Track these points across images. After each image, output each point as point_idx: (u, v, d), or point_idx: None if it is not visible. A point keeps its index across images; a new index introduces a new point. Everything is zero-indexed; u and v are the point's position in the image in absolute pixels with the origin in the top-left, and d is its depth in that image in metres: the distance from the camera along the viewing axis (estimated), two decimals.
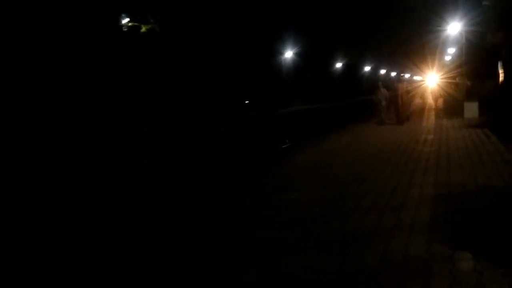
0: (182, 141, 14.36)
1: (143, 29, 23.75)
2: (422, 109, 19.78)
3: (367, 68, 49.18)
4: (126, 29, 22.95)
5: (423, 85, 27.13)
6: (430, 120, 15.67)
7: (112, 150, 12.35)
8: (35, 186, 7.96)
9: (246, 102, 32.64)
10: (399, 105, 15.01)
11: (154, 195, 7.19)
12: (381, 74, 52.39)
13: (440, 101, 21.75)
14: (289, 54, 35.67)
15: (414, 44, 37.28)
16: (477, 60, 21.77)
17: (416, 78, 43.23)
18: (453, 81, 23.92)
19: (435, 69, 29.89)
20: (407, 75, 52.01)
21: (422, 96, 26.10)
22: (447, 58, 36.24)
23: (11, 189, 7.46)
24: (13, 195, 7.17)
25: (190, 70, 23.41)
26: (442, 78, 26.09)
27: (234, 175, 8.28)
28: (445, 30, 25.50)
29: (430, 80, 27.41)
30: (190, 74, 23.33)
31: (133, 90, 17.74)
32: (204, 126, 18.60)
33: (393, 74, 56.06)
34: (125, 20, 22.73)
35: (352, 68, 45.03)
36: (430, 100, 25.35)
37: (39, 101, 13.37)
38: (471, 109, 15.25)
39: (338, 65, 42.96)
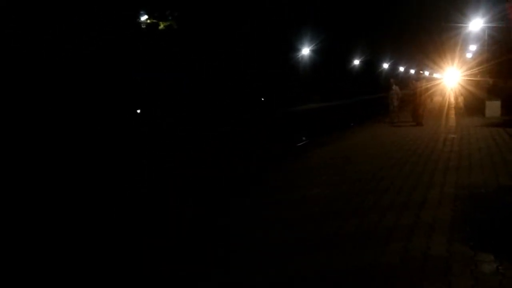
0: (190, 140, 14.39)
1: (161, 26, 23.93)
2: (442, 107, 19.42)
3: (385, 65, 48.56)
4: (144, 26, 23.16)
5: (442, 83, 26.64)
6: (450, 118, 15.37)
7: (112, 150, 12.49)
8: (35, 184, 8.10)
9: (262, 99, 32.63)
10: (416, 105, 13.79)
11: (154, 194, 7.25)
12: (400, 72, 51.63)
13: (461, 99, 21.36)
14: (306, 51, 35.50)
15: (434, 41, 36.67)
16: (500, 58, 21.29)
17: (435, 75, 42.46)
18: (475, 79, 23.45)
19: (455, 66, 29.32)
20: (426, 73, 51.17)
21: (442, 94, 25.67)
22: (468, 55, 35.50)
23: (11, 189, 7.60)
24: (14, 194, 7.31)
25: (206, 69, 23.47)
26: (463, 76, 25.59)
27: (248, 173, 8.32)
28: (466, 26, 24.98)
29: (450, 78, 26.91)
30: (206, 72, 23.40)
31: (134, 90, 17.87)
32: (219, 123, 18.66)
33: (412, 71, 55.21)
34: (144, 17, 22.95)
35: (370, 65, 44.52)
36: (450, 98, 24.91)
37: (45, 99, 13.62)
38: (493, 108, 14.93)
39: (356, 62, 42.54)
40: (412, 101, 14.25)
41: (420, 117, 13.61)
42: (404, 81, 15.96)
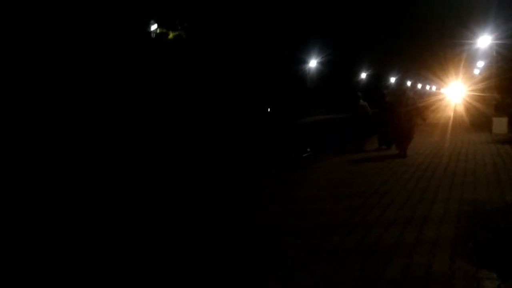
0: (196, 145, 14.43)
1: (171, 35, 24.20)
2: (446, 123, 19.35)
3: (392, 79, 48.58)
4: (154, 36, 23.44)
5: (447, 98, 26.60)
6: (456, 134, 15.30)
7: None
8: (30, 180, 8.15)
9: (268, 109, 32.72)
10: (394, 128, 10.01)
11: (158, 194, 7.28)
12: (407, 86, 51.62)
13: (467, 115, 21.28)
14: (313, 63, 35.62)
15: (441, 57, 36.67)
16: (507, 74, 21.24)
17: (441, 90, 42.45)
18: (481, 94, 23.38)
19: (462, 82, 29.28)
20: (433, 88, 51.11)
21: (446, 110, 25.61)
22: (476, 71, 35.47)
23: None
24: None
25: (213, 77, 23.64)
26: (469, 91, 25.53)
27: (251, 182, 8.31)
28: (474, 43, 25.01)
29: (457, 93, 26.86)
30: (213, 81, 23.56)
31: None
32: (223, 130, 18.71)
33: (419, 86, 55.18)
34: (153, 27, 23.23)
35: (377, 78, 44.56)
36: (455, 113, 24.85)
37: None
38: (500, 125, 14.84)
39: (363, 75, 42.60)
40: (391, 123, 10.25)
41: (400, 145, 10.05)
42: (387, 95, 12.28)
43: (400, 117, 9.86)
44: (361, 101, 11.96)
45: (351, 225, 4.82)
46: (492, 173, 7.53)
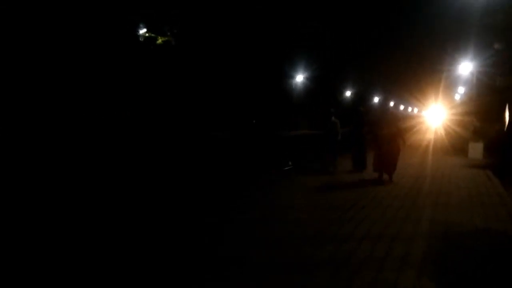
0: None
1: (159, 40, 24.24)
2: (426, 145, 19.80)
3: (376, 99, 49.46)
4: (142, 40, 23.43)
5: (428, 121, 27.29)
6: (435, 156, 15.66)
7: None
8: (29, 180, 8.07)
9: (254, 121, 32.89)
10: (382, 152, 9.24)
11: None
12: (390, 106, 52.61)
13: (447, 138, 21.82)
14: (300, 78, 36.09)
15: (423, 81, 37.62)
16: (486, 101, 21.89)
17: (422, 113, 43.49)
18: (460, 118, 24.03)
19: (443, 106, 30.08)
20: (415, 110, 52.26)
21: (426, 132, 26.21)
22: (457, 96, 36.47)
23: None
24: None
25: (200, 85, 23.69)
26: (449, 116, 26.22)
27: (232, 194, 8.35)
28: (455, 69, 25.79)
29: (438, 116, 27.55)
30: (199, 89, 23.61)
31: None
32: (206, 143, 18.71)
33: (402, 107, 56.30)
34: (142, 31, 23.25)
35: (361, 98, 45.32)
36: (434, 136, 25.43)
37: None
38: (476, 150, 15.25)
39: (348, 93, 43.29)
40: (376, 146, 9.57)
41: (384, 170, 9.30)
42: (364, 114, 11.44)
43: (385, 142, 9.16)
44: (333, 118, 11.17)
45: (325, 237, 4.91)
46: (465, 196, 7.75)
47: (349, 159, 11.21)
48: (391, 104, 54.62)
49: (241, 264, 4.12)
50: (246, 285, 3.65)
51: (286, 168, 13.29)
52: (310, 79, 36.03)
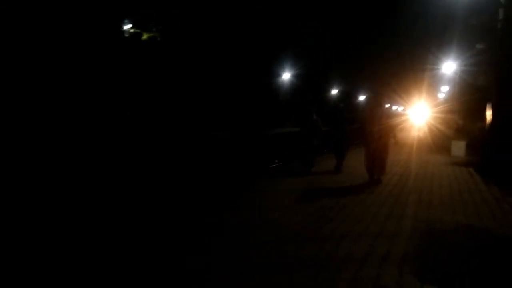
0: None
1: (145, 36, 23.96)
2: (410, 143, 20.00)
3: (361, 98, 49.85)
4: (127, 35, 23.12)
5: (412, 119, 27.58)
6: (418, 154, 15.81)
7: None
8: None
9: (240, 120, 32.76)
10: (373, 150, 8.78)
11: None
12: (381, 103, 53.06)
13: (430, 136, 22.10)
14: (286, 76, 36.12)
15: (408, 79, 38.02)
16: (469, 100, 22.22)
17: (406, 111, 43.94)
18: (444, 116, 24.37)
19: (426, 104, 30.44)
20: (399, 108, 52.82)
21: (410, 130, 26.49)
22: (440, 95, 36.95)
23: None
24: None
25: (185, 82, 23.49)
26: (433, 114, 26.54)
27: (216, 190, 8.30)
28: (439, 68, 26.12)
29: (421, 115, 27.88)
30: (183, 86, 23.41)
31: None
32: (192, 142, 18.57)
33: (387, 106, 56.84)
34: (127, 26, 22.94)
35: (348, 96, 45.61)
36: (418, 134, 25.73)
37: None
38: (459, 148, 15.46)
39: (334, 91, 43.51)
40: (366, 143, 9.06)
41: (375, 169, 8.89)
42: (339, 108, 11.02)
43: (375, 139, 8.67)
44: (314, 115, 10.58)
45: (306, 236, 4.89)
46: (447, 194, 7.82)
47: (333, 159, 10.88)
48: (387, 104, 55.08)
49: (215, 264, 4.08)
50: (221, 285, 3.61)
51: (273, 165, 13.28)
52: (297, 77, 36.09)
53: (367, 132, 8.86)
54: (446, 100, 30.41)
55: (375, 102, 9.58)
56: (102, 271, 3.97)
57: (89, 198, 7.64)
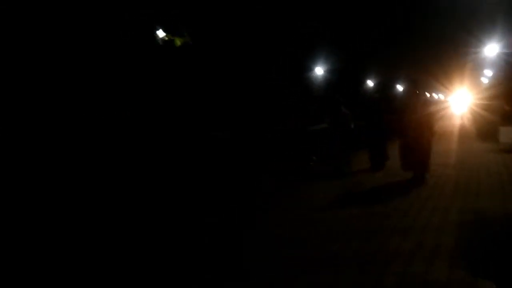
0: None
1: (178, 42, 24.45)
2: (453, 131, 19.29)
3: (399, 87, 48.46)
4: (161, 43, 23.69)
5: (453, 106, 26.50)
6: (462, 143, 15.23)
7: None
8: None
9: (276, 115, 32.80)
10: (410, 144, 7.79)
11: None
12: (419, 90, 51.40)
13: (474, 123, 21.21)
14: (320, 70, 35.73)
15: (446, 65, 36.54)
16: None
17: (447, 98, 42.35)
18: (488, 103, 23.28)
19: (469, 90, 29.20)
20: (440, 96, 50.98)
21: (453, 118, 25.52)
22: (483, 79, 35.31)
23: None
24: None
25: (220, 86, 23.75)
26: (476, 100, 25.43)
27: (261, 189, 8.33)
28: (480, 51, 24.97)
29: (463, 101, 26.76)
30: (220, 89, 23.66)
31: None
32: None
33: (427, 94, 54.98)
34: (161, 34, 23.49)
35: (387, 86, 44.47)
36: (461, 122, 24.75)
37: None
38: (507, 134, 14.73)
39: (370, 83, 42.62)
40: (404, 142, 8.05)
41: (417, 165, 7.81)
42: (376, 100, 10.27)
43: (412, 131, 7.69)
44: (343, 108, 9.44)
45: (352, 232, 4.88)
46: (496, 182, 7.51)
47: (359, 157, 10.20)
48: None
49: (262, 263, 4.14)
50: (271, 283, 3.67)
51: (311, 163, 13.17)
52: (330, 72, 35.62)
53: (404, 123, 7.85)
54: (490, 85, 29.03)
55: (413, 90, 8.58)
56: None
57: (99, 195, 7.73)
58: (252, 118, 23.15)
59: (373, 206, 6.11)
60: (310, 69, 34.89)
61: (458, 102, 29.26)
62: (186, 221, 6.05)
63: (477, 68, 33.06)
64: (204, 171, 9.85)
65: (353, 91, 37.69)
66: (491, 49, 23.76)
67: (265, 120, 24.18)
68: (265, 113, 26.57)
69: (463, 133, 18.99)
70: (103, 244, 5.02)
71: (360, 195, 7.08)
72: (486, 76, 33.68)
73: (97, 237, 5.28)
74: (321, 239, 4.72)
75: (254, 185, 8.89)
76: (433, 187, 7.30)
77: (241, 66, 24.91)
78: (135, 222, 5.97)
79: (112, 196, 7.74)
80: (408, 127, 7.76)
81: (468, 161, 10.37)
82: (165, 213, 6.62)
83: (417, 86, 8.61)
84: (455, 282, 3.46)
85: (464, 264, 3.80)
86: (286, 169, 11.17)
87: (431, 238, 4.53)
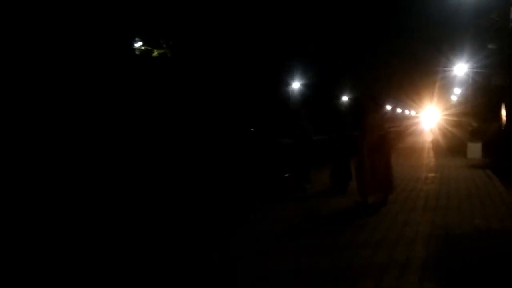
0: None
1: (155, 53, 24.33)
2: (423, 147, 19.79)
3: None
4: (138, 53, 23.52)
5: (423, 122, 27.33)
6: (432, 158, 15.63)
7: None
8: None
9: (252, 129, 32.86)
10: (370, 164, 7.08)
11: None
12: (387, 110, 52.67)
13: (443, 139, 21.85)
14: (296, 85, 36.22)
15: (419, 83, 37.73)
16: (482, 101, 21.96)
17: (418, 115, 43.64)
18: (457, 119, 24.08)
19: (439, 107, 30.17)
20: (412, 112, 52.43)
21: (423, 134, 26.25)
22: (453, 97, 36.58)
23: None
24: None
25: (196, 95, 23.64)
26: (446, 117, 26.26)
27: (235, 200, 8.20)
28: (450, 70, 25.90)
29: (433, 118, 27.61)
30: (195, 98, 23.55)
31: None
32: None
33: (399, 110, 56.38)
34: (138, 44, 23.34)
35: (358, 102, 45.41)
36: (431, 137, 25.47)
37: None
38: (475, 150, 15.24)
39: (345, 98, 43.45)
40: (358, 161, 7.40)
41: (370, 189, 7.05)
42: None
43: (373, 151, 7.07)
44: (304, 122, 8.91)
45: (325, 246, 4.88)
46: (465, 197, 7.70)
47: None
48: (388, 107, 54.60)
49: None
50: None
51: (286, 175, 13.13)
52: (306, 86, 36.14)
53: (364, 143, 7.19)
54: (459, 103, 30.07)
55: (372, 107, 7.63)
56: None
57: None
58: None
59: (345, 222, 6.13)
60: (287, 83, 35.33)
61: (429, 118, 30.15)
62: None
63: (447, 86, 34.24)
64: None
65: (327, 105, 38.29)
66: (460, 68, 24.69)
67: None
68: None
69: (433, 148, 19.49)
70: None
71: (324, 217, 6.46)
72: (455, 94, 34.89)
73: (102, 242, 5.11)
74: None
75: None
76: (404, 201, 7.42)
77: (214, 78, 24.93)
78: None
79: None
80: (367, 148, 7.13)
81: (438, 176, 10.63)
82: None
83: (375, 102, 7.76)
84: None
85: (433, 278, 3.85)
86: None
87: (402, 252, 4.57)
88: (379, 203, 7.03)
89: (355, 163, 7.57)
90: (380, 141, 7.17)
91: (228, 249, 4.86)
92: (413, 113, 52.03)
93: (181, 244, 5.05)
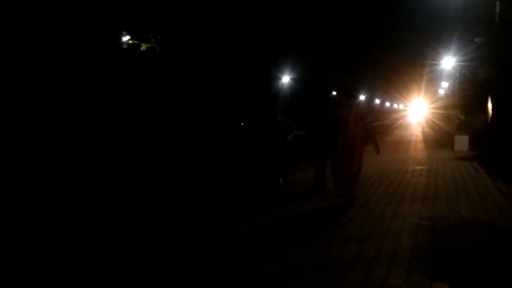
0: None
1: (143, 47, 24.08)
2: (410, 140, 19.97)
3: (362, 97, 49.82)
4: (126, 46, 23.25)
5: (411, 116, 27.57)
6: (419, 151, 15.79)
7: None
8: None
9: (242, 124, 32.77)
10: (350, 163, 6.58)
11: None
12: (376, 104, 53.03)
13: (431, 132, 22.06)
14: (286, 79, 36.21)
15: (407, 77, 37.99)
16: (470, 94, 22.21)
17: (406, 108, 43.98)
18: (445, 113, 24.34)
19: (426, 100, 30.43)
20: (400, 106, 52.84)
21: (411, 127, 26.48)
22: (440, 91, 36.93)
23: None
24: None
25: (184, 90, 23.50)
26: (433, 110, 26.52)
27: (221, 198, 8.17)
28: (438, 64, 26.13)
29: (421, 111, 27.86)
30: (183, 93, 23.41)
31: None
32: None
33: (388, 104, 56.81)
34: (125, 38, 23.07)
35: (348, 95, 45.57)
36: (418, 131, 25.72)
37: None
38: (462, 142, 15.45)
39: (334, 93, 43.57)
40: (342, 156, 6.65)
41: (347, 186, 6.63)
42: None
43: (346, 149, 6.54)
44: (279, 116, 8.32)
45: (311, 240, 4.88)
46: (452, 189, 7.79)
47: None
48: (377, 101, 54.96)
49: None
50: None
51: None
52: (296, 80, 36.16)
53: (335, 142, 6.67)
54: (446, 96, 30.37)
55: (342, 102, 7.03)
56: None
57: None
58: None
59: (335, 215, 6.15)
60: (276, 78, 35.28)
61: (416, 111, 30.42)
62: None
63: (434, 80, 34.52)
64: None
65: (316, 99, 38.36)
66: (448, 61, 24.92)
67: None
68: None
69: (421, 141, 19.69)
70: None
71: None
72: (442, 87, 35.22)
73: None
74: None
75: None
76: (393, 194, 7.48)
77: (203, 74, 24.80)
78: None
79: None
80: (337, 142, 6.63)
81: (426, 168, 10.73)
82: None
83: (348, 95, 7.13)
84: (411, 286, 3.53)
85: (421, 269, 3.89)
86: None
87: (391, 242, 4.60)
88: (346, 201, 6.57)
89: (331, 161, 7.08)
90: (352, 138, 6.55)
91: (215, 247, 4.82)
92: (401, 106, 52.45)
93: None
